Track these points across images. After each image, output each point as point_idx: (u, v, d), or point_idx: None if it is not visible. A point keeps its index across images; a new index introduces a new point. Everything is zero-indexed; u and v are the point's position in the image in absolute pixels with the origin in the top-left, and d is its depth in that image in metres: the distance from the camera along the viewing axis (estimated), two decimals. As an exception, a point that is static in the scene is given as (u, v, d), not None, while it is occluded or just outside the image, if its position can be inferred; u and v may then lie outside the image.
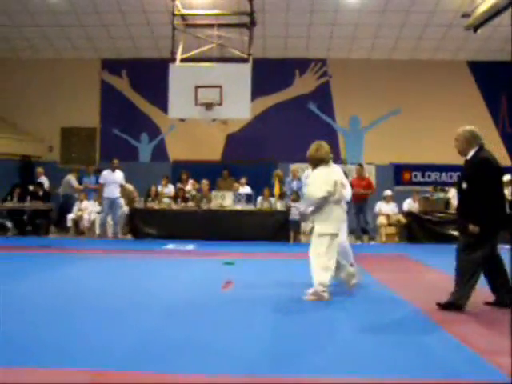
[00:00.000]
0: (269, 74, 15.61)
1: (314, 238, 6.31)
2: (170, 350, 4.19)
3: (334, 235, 6.24)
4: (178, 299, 6.16)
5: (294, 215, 12.86)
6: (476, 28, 13.00)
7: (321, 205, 6.25)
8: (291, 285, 7.02)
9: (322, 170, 6.35)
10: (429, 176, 16.32)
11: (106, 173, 13.72)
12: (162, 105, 14.12)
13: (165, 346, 4.30)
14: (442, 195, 14.06)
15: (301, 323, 5.15)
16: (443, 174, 16.24)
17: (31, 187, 15.02)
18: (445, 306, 5.57)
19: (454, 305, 5.55)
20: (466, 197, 5.68)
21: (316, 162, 6.41)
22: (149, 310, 5.59)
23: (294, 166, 14.70)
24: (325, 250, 6.18)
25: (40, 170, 15.38)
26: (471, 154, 5.72)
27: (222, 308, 5.73)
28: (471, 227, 5.47)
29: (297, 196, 12.98)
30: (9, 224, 14.77)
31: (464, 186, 5.65)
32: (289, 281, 7.37)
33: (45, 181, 15.15)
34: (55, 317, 5.26)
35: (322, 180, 6.27)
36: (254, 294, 6.42)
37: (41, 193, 14.73)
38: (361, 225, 13.82)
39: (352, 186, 13.64)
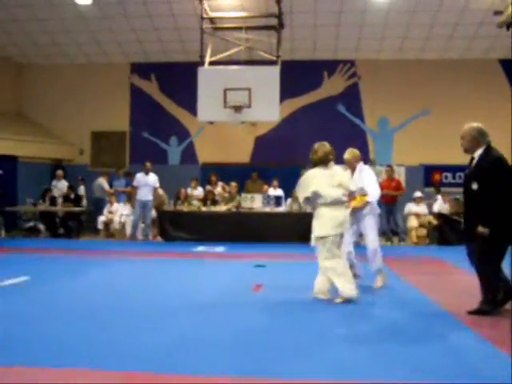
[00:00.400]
0: (297, 76, 15.60)
1: (318, 244, 6.30)
2: (202, 351, 4.22)
3: (335, 236, 6.19)
4: (208, 301, 6.20)
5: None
6: (509, 25, 12.79)
7: (314, 207, 6.29)
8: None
9: (312, 172, 6.35)
10: (460, 177, 16.09)
11: (139, 176, 13.82)
12: (191, 108, 14.18)
13: (197, 347, 4.33)
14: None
15: (326, 324, 5.15)
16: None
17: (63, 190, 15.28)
18: (476, 313, 5.42)
19: (484, 312, 5.41)
20: (476, 198, 5.36)
21: (314, 163, 6.37)
22: (181, 311, 5.64)
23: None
24: (329, 254, 6.17)
25: (60, 172, 15.49)
26: (479, 152, 5.50)
27: (252, 310, 5.74)
28: (481, 229, 5.20)
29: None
30: (41, 226, 15.02)
31: (474, 186, 5.37)
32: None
33: (63, 184, 15.29)
34: (86, 318, 5.33)
35: (306, 182, 6.27)
36: (284, 297, 6.42)
37: (72, 196, 14.92)
38: (391, 226, 13.72)
39: (381, 187, 13.68)
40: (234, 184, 14.13)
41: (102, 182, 15.45)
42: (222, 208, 13.56)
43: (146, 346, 4.37)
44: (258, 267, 8.74)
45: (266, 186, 14.43)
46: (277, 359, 4.07)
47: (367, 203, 7.06)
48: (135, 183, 13.77)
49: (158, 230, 13.78)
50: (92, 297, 6.46)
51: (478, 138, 5.52)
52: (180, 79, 16.14)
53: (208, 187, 14.75)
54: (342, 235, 6.32)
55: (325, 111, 16.41)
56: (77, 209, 14.71)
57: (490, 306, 5.42)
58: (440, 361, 4.01)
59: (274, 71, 12.09)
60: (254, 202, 13.33)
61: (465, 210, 5.75)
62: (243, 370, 3.80)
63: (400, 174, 15.16)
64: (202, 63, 12.48)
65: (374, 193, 7.12)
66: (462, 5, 13.66)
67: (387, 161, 15.53)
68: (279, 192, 14.10)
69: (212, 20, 13.04)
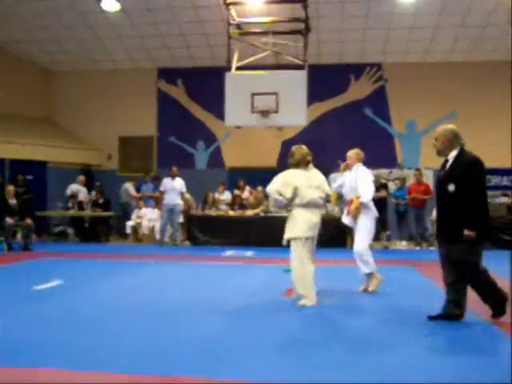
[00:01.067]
0: (323, 80, 15.56)
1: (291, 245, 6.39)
2: (232, 355, 4.25)
3: (306, 239, 6.31)
4: (241, 306, 6.23)
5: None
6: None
7: (287, 207, 6.41)
8: (345, 292, 7.07)
9: (292, 171, 6.47)
10: (489, 180, 15.91)
11: (165, 180, 13.92)
12: (218, 112, 14.26)
13: (227, 351, 4.36)
14: (503, 200, 13.71)
15: (356, 328, 5.14)
16: (504, 178, 15.83)
17: (92, 194, 15.45)
18: (440, 318, 5.40)
19: (449, 316, 5.39)
20: (453, 200, 5.29)
21: (292, 166, 6.54)
22: (213, 316, 5.66)
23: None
24: (298, 256, 6.30)
25: (81, 178, 15.62)
26: (454, 154, 5.43)
27: (286, 314, 5.76)
28: (467, 232, 5.15)
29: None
30: (70, 231, 15.20)
31: (451, 188, 5.28)
32: (343, 288, 7.34)
33: (82, 189, 15.41)
34: (118, 322, 5.40)
35: (286, 179, 6.38)
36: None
37: (101, 200, 15.08)
38: (419, 231, 13.63)
39: (410, 191, 13.64)
40: (260, 189, 14.15)
41: (129, 186, 15.59)
42: (249, 213, 13.58)
43: (181, 349, 4.40)
44: (287, 272, 8.72)
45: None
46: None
47: (361, 204, 7.06)
48: (162, 188, 13.87)
49: (186, 235, 13.86)
50: (123, 300, 6.52)
51: (453, 139, 5.47)
52: (207, 84, 16.24)
53: (236, 192, 14.80)
54: (313, 239, 6.43)
55: (352, 115, 16.38)
56: (105, 213, 14.86)
57: (458, 310, 5.38)
58: (473, 362, 3.99)
59: (301, 75, 12.07)
60: (282, 207, 13.30)
61: (439, 212, 5.66)
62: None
63: (428, 178, 15.03)
64: (228, 68, 12.52)
65: (366, 193, 7.06)
66: (491, 6, 13.51)
67: (415, 164, 15.43)
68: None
69: (239, 25, 13.08)
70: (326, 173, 14.96)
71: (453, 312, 5.39)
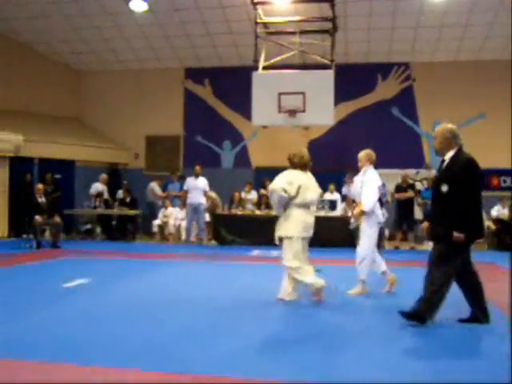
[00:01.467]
0: (350, 80, 15.46)
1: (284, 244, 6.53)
2: (264, 355, 4.25)
3: (303, 239, 6.47)
4: (270, 304, 6.24)
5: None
6: None
7: (285, 206, 6.47)
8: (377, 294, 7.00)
9: (294, 172, 6.58)
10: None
11: (189, 180, 13.98)
12: (244, 112, 14.28)
13: (257, 351, 4.36)
14: None
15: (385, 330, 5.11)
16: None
17: (119, 193, 15.58)
18: (408, 316, 5.30)
19: (418, 316, 5.28)
20: (445, 201, 5.21)
21: (296, 166, 6.63)
22: (245, 317, 5.67)
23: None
24: (294, 254, 6.42)
25: (104, 176, 15.71)
26: (450, 154, 5.34)
27: (320, 313, 5.75)
28: (456, 235, 5.06)
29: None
30: (97, 229, 15.34)
31: (444, 188, 5.20)
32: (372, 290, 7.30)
33: (102, 187, 15.49)
34: (146, 319, 5.45)
35: (289, 179, 6.47)
36: (345, 302, 6.48)
37: (128, 199, 15.19)
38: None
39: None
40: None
41: (154, 186, 15.68)
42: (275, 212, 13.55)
43: (210, 349, 4.42)
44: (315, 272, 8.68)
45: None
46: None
47: (362, 213, 6.93)
48: (185, 187, 13.95)
49: (212, 234, 13.90)
50: (151, 298, 6.57)
51: (451, 139, 5.36)
52: (233, 83, 16.26)
53: (262, 191, 14.79)
54: (307, 240, 6.58)
55: (379, 114, 16.27)
56: (132, 212, 14.96)
57: (428, 312, 5.28)
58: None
59: (329, 75, 12.01)
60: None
61: (432, 213, 5.59)
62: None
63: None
64: (255, 67, 12.51)
65: (367, 202, 6.89)
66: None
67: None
68: (336, 196, 14.10)
69: (266, 25, 13.07)
70: (354, 172, 15.00)
71: (421, 312, 5.29)
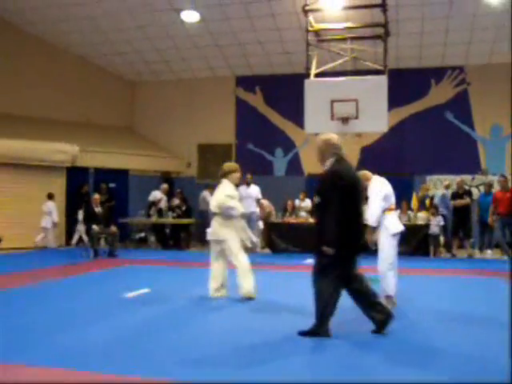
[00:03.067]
0: (403, 85, 15.24)
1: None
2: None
3: (217, 241, 7.41)
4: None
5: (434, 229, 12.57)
6: None
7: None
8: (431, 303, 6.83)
9: (226, 184, 7.63)
10: None
11: (241, 189, 13.97)
12: (296, 119, 14.26)
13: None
14: None
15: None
16: None
17: (174, 201, 15.73)
18: (306, 334, 5.20)
19: (314, 333, 5.19)
20: (317, 213, 5.25)
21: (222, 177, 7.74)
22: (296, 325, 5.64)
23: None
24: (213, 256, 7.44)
25: (165, 186, 15.80)
26: (327, 164, 5.25)
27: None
28: (325, 249, 4.97)
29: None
30: (151, 238, 15.53)
31: (316, 199, 5.21)
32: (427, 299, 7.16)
33: (164, 197, 15.61)
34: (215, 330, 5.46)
35: (231, 193, 7.58)
36: (417, 308, 6.33)
37: (184, 207, 15.32)
38: (507, 240, 13.11)
39: (495, 198, 13.14)
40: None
41: (207, 195, 15.77)
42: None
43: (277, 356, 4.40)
44: (373, 281, 8.57)
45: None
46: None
47: (371, 228, 6.58)
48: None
49: (265, 242, 13.90)
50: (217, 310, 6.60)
51: (324, 149, 5.32)
52: (284, 91, 16.28)
53: (315, 199, 14.69)
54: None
55: (432, 119, 16.00)
56: (186, 220, 15.09)
57: (320, 328, 5.20)
58: None
59: (382, 81, 11.88)
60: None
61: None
62: None
63: (515, 184, 14.49)
64: (307, 75, 12.47)
65: (369, 216, 6.49)
66: None
67: (500, 170, 14.86)
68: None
69: (317, 32, 13.03)
70: (408, 178, 14.78)
71: (315, 328, 5.25)
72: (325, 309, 5.21)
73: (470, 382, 3.93)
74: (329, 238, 5.04)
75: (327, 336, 5.20)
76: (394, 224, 6.78)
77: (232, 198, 7.47)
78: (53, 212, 14.37)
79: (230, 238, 7.32)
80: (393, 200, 6.87)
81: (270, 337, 5.27)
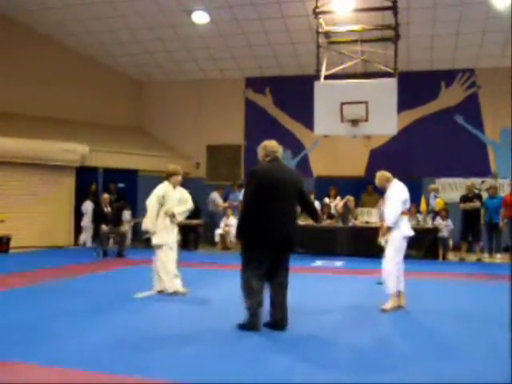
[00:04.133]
0: (413, 88, 15.20)
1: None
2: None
3: (164, 246, 7.56)
4: (337, 316, 6.20)
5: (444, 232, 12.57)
6: None
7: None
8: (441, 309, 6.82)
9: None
10: None
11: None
12: (305, 121, 14.25)
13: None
14: None
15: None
16: None
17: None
18: (240, 327, 5.46)
19: (247, 327, 5.42)
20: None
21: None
22: (305, 327, 5.64)
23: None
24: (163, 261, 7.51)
25: None
26: None
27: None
28: (233, 238, 5.41)
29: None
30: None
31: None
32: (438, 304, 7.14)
33: None
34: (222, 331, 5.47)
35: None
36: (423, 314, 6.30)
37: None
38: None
39: (505, 202, 13.09)
40: (350, 198, 13.90)
41: (216, 196, 15.83)
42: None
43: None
44: (380, 285, 8.56)
45: (382, 200, 14.17)
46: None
47: (388, 229, 6.80)
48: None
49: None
50: (222, 309, 6.60)
51: (263, 154, 5.72)
52: (294, 93, 16.27)
53: (326, 200, 14.67)
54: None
55: (442, 122, 15.94)
56: (194, 221, 15.10)
57: (250, 321, 5.42)
58: None
59: (392, 83, 11.90)
60: (371, 217, 13.16)
61: None
62: None
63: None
64: (316, 77, 12.47)
65: (389, 216, 6.78)
66: None
67: (511, 174, 14.79)
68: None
69: (327, 34, 13.03)
70: (416, 181, 14.73)
71: (246, 322, 5.48)
72: (246, 301, 5.46)
73: (470, 382, 3.96)
74: (236, 230, 5.70)
75: (256, 329, 5.41)
76: (407, 227, 6.94)
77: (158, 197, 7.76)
78: (88, 211, 14.64)
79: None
80: (408, 205, 7.06)
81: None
